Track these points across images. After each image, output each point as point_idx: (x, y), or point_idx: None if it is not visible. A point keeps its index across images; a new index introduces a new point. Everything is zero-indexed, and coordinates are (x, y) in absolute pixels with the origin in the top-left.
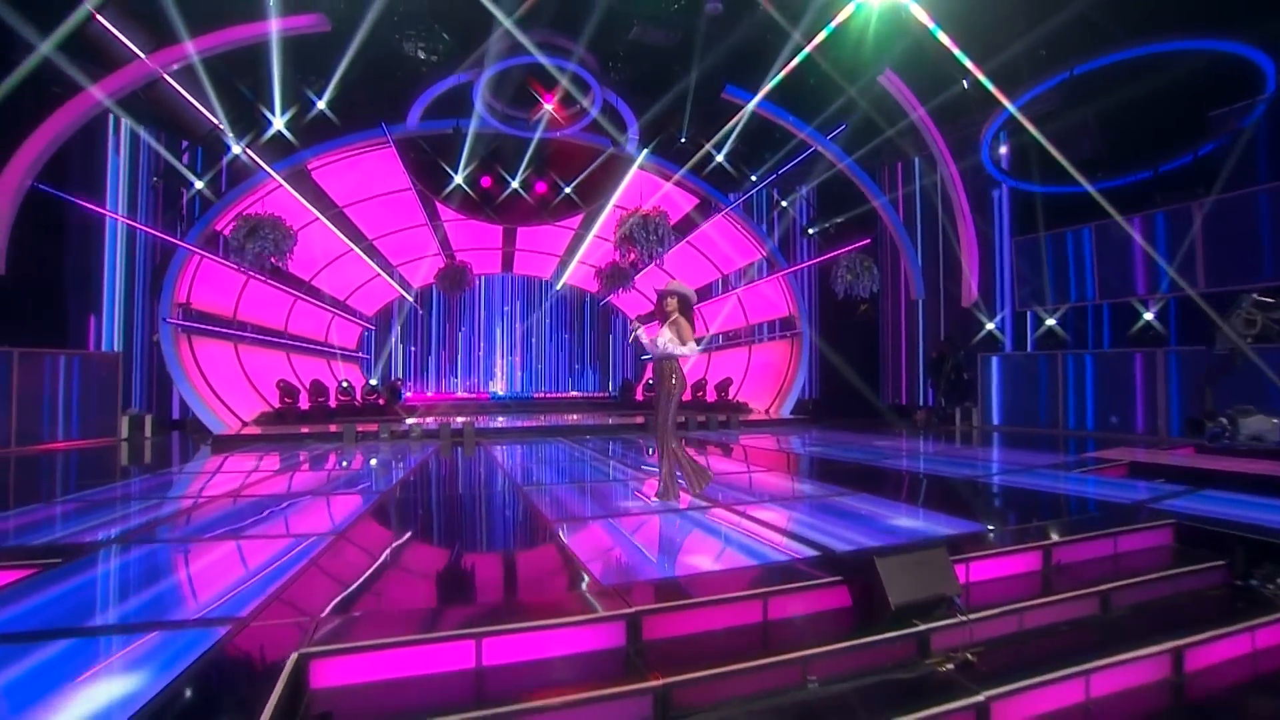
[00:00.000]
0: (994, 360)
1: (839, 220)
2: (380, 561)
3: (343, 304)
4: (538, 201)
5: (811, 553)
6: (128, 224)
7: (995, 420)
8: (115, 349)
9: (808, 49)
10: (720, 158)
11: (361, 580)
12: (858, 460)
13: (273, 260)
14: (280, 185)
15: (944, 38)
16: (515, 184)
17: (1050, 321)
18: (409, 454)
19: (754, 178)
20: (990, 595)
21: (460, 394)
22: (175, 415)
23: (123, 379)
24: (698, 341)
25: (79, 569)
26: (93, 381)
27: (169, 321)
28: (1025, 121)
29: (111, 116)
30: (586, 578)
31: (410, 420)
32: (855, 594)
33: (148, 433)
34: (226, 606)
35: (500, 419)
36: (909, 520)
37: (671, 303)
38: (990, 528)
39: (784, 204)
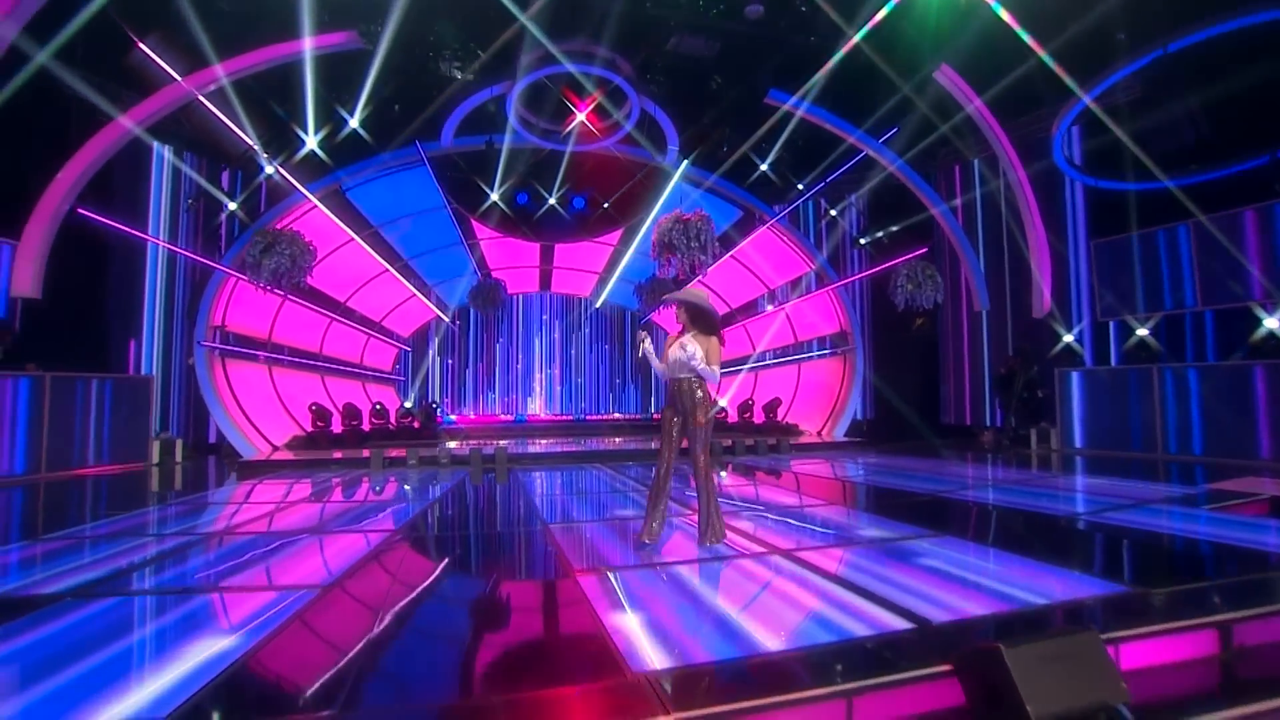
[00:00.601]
0: (1074, 376)
1: (893, 229)
2: (357, 634)
3: (378, 325)
4: (575, 218)
5: (903, 624)
6: (166, 248)
7: (1078, 443)
8: (153, 373)
9: (858, 36)
10: (764, 167)
11: (323, 667)
12: (930, 491)
13: (290, 278)
14: (315, 206)
15: (1008, 18)
16: (552, 200)
17: (1142, 331)
18: (437, 481)
19: (800, 187)
20: (1155, 691)
21: (500, 415)
22: (212, 439)
23: (160, 403)
24: (737, 362)
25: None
26: (124, 406)
27: (203, 345)
28: (1100, 113)
29: (156, 141)
30: (611, 652)
31: (450, 444)
32: (972, 691)
33: (179, 458)
34: (150, 709)
35: (542, 442)
36: (1016, 574)
37: (682, 315)
38: (1136, 590)
39: (833, 213)
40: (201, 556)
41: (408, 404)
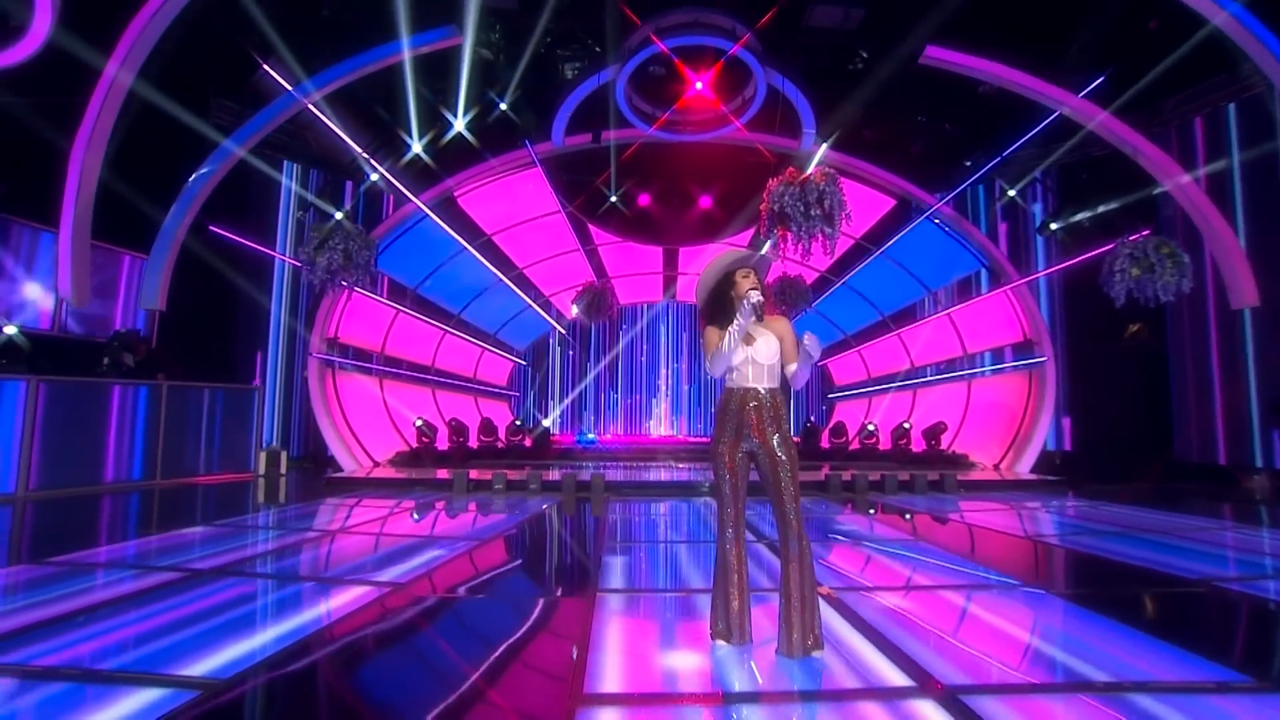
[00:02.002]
0: None
1: (1097, 210)
2: None
3: (492, 338)
4: (702, 217)
5: None
6: (285, 261)
7: None
8: (275, 384)
9: None
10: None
11: None
12: (1207, 574)
13: (347, 275)
14: (426, 215)
15: None
16: (673, 200)
17: None
18: (514, 511)
19: (969, 164)
20: None
21: (622, 435)
22: (329, 452)
23: (281, 414)
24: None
25: None
26: (233, 416)
27: (315, 356)
28: None
29: (285, 163)
30: None
31: (561, 472)
32: None
33: (283, 469)
34: None
35: (667, 466)
36: None
37: (754, 285)
38: None
39: (1012, 194)
40: (136, 611)
41: (518, 420)
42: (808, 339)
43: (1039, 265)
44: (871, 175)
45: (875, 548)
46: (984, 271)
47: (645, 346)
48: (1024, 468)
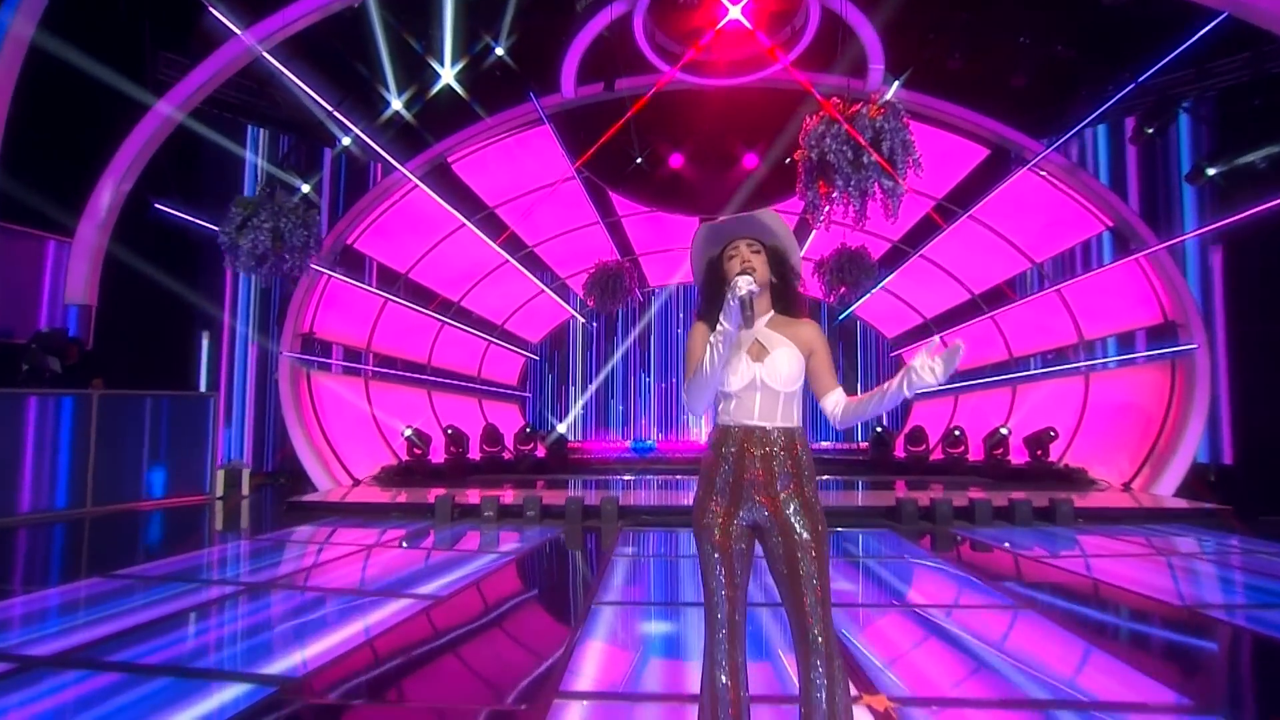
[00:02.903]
0: None
1: (1275, 148)
2: None
3: (499, 329)
4: (745, 180)
5: None
6: None
7: None
8: (247, 388)
9: None
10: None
11: None
12: None
13: (282, 263)
14: (416, 185)
15: None
16: (711, 160)
17: None
18: (510, 544)
19: (1087, 96)
20: None
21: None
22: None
23: (254, 423)
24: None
25: None
26: (186, 428)
27: (287, 355)
28: None
29: (250, 128)
30: None
31: (567, 494)
32: None
33: (245, 490)
34: None
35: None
36: None
37: (759, 264)
38: None
39: (1149, 131)
40: None
41: (529, 428)
42: (938, 357)
43: (1187, 225)
44: (958, 119)
45: (957, 629)
46: (1108, 235)
47: (682, 336)
48: (1166, 488)
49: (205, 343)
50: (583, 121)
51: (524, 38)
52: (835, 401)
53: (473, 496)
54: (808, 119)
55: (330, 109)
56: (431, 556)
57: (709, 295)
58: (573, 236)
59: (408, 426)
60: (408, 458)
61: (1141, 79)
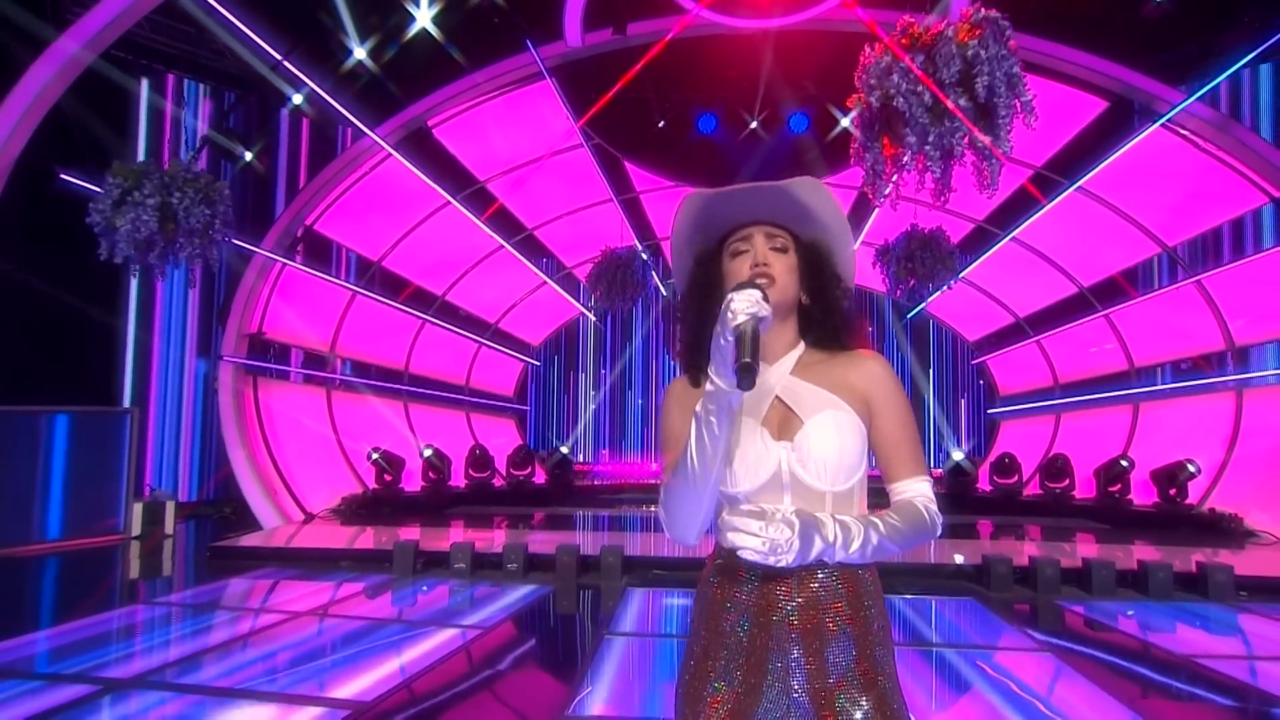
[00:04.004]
0: None
1: None
2: None
3: (492, 328)
4: (791, 146)
5: None
6: None
7: None
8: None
9: None
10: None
11: None
12: None
13: (172, 249)
14: (389, 154)
15: None
16: (753, 123)
17: None
18: (486, 610)
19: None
20: None
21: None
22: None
23: (197, 442)
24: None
25: None
26: (96, 452)
27: (228, 360)
28: None
29: (172, 77)
30: None
31: (558, 541)
32: None
33: (169, 527)
34: None
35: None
36: None
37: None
38: None
39: None
40: None
41: (528, 447)
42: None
43: None
44: (1066, 61)
45: None
46: (1269, 209)
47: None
48: None
49: (131, 346)
50: (592, 77)
51: None
52: (908, 500)
53: (447, 539)
54: (867, 50)
55: (279, 57)
56: (375, 631)
57: (694, 322)
58: (580, 217)
59: (374, 449)
60: (376, 485)
61: None
